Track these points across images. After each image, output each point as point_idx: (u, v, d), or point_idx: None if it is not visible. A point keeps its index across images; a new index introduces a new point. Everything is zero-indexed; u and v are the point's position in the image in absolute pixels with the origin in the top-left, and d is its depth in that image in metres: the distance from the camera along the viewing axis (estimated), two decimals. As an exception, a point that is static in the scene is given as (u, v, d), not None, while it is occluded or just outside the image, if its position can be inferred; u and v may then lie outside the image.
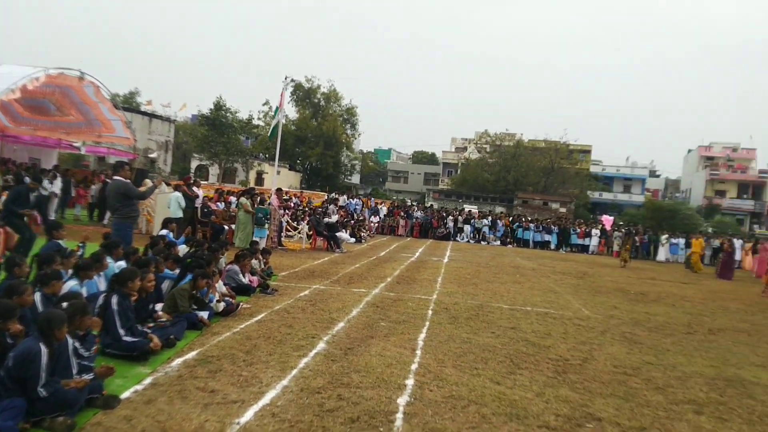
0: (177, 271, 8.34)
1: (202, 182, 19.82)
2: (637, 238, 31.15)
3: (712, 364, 7.64)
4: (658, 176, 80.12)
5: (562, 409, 5.26)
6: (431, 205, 43.02)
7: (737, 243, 29.02)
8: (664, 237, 32.57)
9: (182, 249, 10.34)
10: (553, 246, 33.39)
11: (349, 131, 55.66)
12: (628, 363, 7.24)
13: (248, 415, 4.56)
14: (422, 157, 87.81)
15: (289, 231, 21.02)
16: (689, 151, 75.41)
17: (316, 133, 51.79)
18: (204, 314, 7.40)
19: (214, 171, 50.04)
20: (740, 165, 66.51)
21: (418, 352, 6.85)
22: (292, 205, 25.29)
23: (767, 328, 11.11)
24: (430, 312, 9.54)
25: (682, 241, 32.46)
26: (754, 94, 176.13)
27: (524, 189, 50.59)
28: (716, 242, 30.89)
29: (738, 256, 28.54)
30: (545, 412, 5.11)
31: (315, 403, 4.89)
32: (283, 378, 5.48)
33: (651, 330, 9.77)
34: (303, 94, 53.76)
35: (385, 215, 34.47)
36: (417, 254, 21.19)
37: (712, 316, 12.03)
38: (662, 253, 31.76)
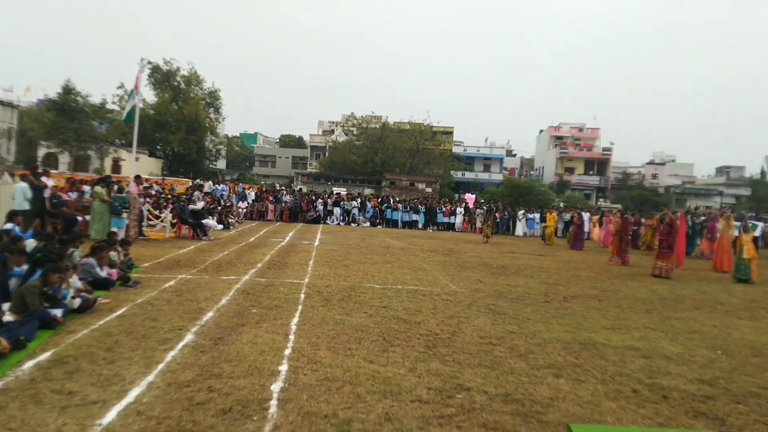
0: (25, 267, 7.63)
1: (51, 171, 18.28)
2: (497, 215, 32.86)
3: (568, 329, 8.20)
4: (514, 155, 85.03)
5: (433, 382, 5.42)
6: (300, 188, 42.69)
7: (585, 216, 31.45)
8: (521, 213, 34.63)
9: (30, 243, 9.48)
10: (420, 225, 34.40)
11: (212, 115, 53.68)
12: (493, 333, 7.60)
13: (111, 415, 4.27)
14: (289, 141, 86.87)
15: (151, 220, 19.97)
16: (541, 131, 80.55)
17: (177, 117, 49.45)
18: (58, 312, 6.83)
19: (64, 159, 46.29)
20: (586, 144, 72.13)
21: (292, 336, 6.78)
22: (154, 192, 24.04)
23: (614, 293, 12.12)
24: (302, 296, 9.47)
25: (537, 216, 34.72)
26: (598, 78, 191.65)
27: (391, 170, 51.58)
28: (567, 216, 33.31)
29: (587, 228, 30.98)
30: (418, 387, 5.25)
31: (184, 397, 4.68)
32: (148, 374, 5.19)
33: (512, 301, 10.32)
34: (161, 77, 51.01)
35: (253, 200, 33.74)
36: (287, 239, 20.96)
37: (566, 285, 12.95)
38: (520, 228, 33.76)
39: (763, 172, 78.64)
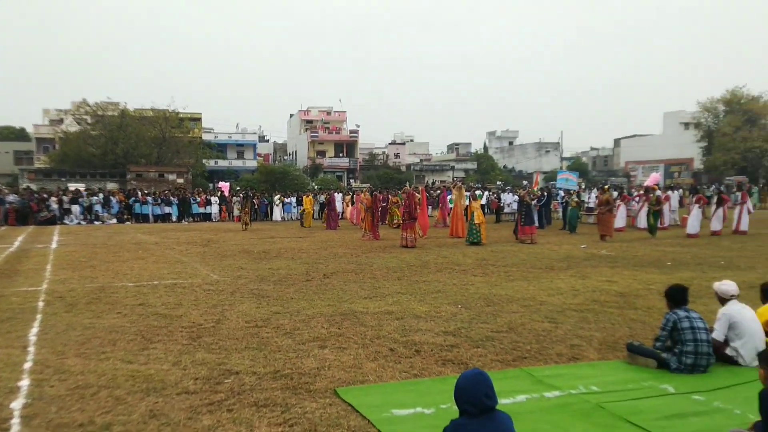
0: None
1: None
2: (255, 201, 32.77)
3: (330, 303, 8.61)
4: (267, 141, 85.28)
5: (200, 372, 5.32)
6: (27, 186, 37.93)
7: (338, 196, 32.89)
8: (277, 198, 34.98)
9: None
10: (174, 218, 32.91)
11: None
12: (259, 316, 7.68)
13: None
14: (8, 133, 76.38)
15: None
16: (291, 115, 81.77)
17: None
18: None
19: None
20: (335, 126, 74.87)
21: (32, 348, 6.10)
22: None
23: (369, 266, 12.95)
24: (41, 303, 8.54)
25: (294, 200, 35.36)
26: (340, 61, 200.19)
27: (136, 161, 48.30)
28: (322, 198, 34.47)
29: (340, 208, 32.45)
30: (184, 379, 5.11)
31: None
32: None
33: (276, 283, 10.50)
34: None
35: (-33, 204, 29.15)
36: (16, 244, 18.60)
37: (325, 263, 13.49)
38: (278, 213, 34.11)
39: (485, 147, 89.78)
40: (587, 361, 5.76)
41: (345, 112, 77.17)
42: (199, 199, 34.31)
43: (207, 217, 33.70)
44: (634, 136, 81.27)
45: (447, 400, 4.23)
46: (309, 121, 75.39)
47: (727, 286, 5.85)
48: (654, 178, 29.21)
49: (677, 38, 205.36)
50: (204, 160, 58.33)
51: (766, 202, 38.32)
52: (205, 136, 64.86)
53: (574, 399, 4.70)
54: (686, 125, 70.38)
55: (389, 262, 13.69)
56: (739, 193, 23.14)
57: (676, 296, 5.62)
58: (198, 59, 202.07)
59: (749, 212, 21.23)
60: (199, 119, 63.76)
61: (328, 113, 76.36)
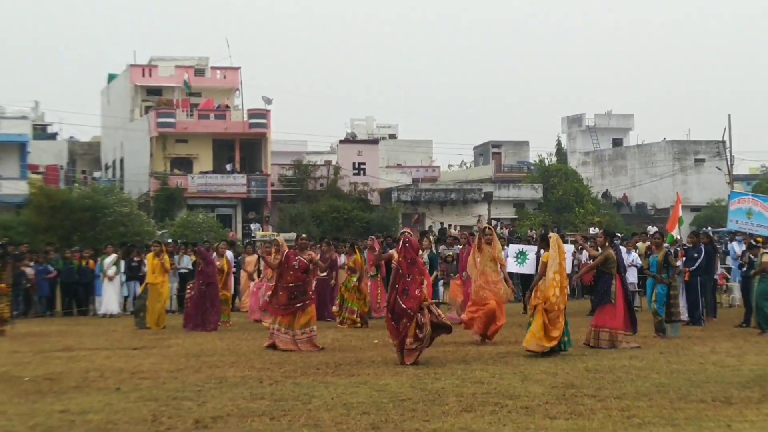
0: None
1: None
2: (26, 270, 24.75)
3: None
4: (55, 136, 72.07)
5: None
6: None
7: (229, 256, 25.97)
8: (110, 260, 25.51)
9: None
10: None
11: None
12: None
13: None
14: None
15: None
16: (112, 78, 56.83)
17: None
18: None
19: None
20: (211, 101, 48.92)
21: None
22: None
23: (302, 403, 8.86)
24: None
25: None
26: None
27: None
28: (187, 261, 26.51)
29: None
30: None
31: None
32: None
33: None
34: None
35: None
36: None
37: (198, 398, 9.04)
38: (112, 295, 24.41)
39: (560, 148, 65.96)
40: None
41: (239, 69, 51.82)
42: None
43: None
44: None
45: None
46: (154, 92, 50.46)
47: None
48: None
49: None
50: None
51: None
52: None
53: None
54: None
55: (351, 393, 9.48)
56: None
57: None
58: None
59: None
60: None
61: (199, 71, 51.45)
